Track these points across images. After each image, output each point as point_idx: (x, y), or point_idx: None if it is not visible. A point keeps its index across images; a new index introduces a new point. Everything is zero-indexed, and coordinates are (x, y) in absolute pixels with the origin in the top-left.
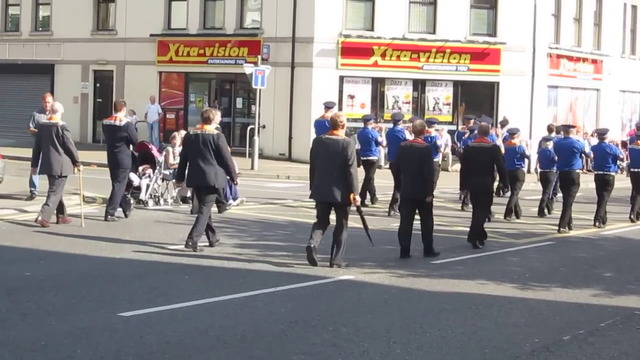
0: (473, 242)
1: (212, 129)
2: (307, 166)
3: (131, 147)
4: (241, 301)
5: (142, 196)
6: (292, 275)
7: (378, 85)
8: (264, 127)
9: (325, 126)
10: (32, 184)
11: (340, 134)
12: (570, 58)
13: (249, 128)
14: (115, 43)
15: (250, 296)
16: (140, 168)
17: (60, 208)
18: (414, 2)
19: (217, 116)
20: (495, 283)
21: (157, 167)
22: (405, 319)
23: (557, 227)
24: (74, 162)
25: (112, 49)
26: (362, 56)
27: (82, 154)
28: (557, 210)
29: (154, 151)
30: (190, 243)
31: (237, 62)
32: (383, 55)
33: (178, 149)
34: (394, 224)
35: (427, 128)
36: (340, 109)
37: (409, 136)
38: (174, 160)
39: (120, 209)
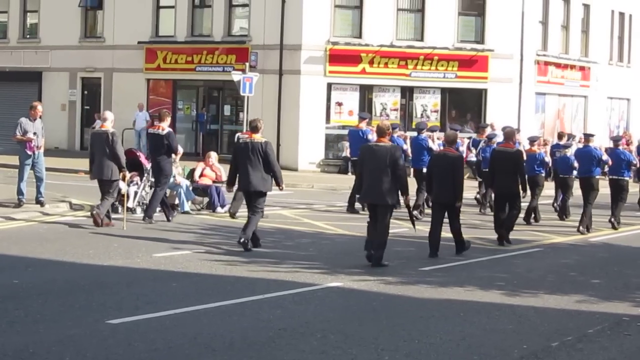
0: (501, 240)
1: (260, 137)
2: (295, 173)
3: (173, 155)
4: (229, 308)
5: (130, 204)
6: (280, 282)
7: (366, 92)
8: None
9: (359, 135)
10: (20, 192)
11: (387, 141)
12: (557, 65)
13: (236, 135)
14: (103, 50)
15: (238, 303)
16: (128, 175)
17: (106, 207)
18: (402, 10)
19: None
20: (484, 290)
21: (145, 175)
22: (394, 326)
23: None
24: (120, 168)
25: (100, 57)
26: (349, 63)
27: (70, 161)
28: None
29: (142, 159)
30: (242, 241)
31: (225, 69)
32: (371, 63)
33: None
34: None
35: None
36: (327, 116)
37: (432, 144)
38: None
39: (160, 212)
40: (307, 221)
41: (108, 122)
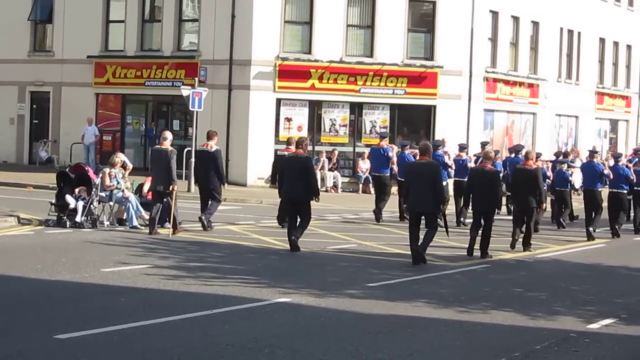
0: (525, 247)
1: (303, 153)
2: (243, 189)
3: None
4: (177, 324)
5: (78, 218)
6: (228, 297)
7: (315, 108)
8: None
9: (380, 153)
10: None
11: (428, 158)
12: (506, 82)
13: (185, 150)
14: (52, 64)
15: (187, 319)
16: (77, 190)
17: (173, 219)
18: (352, 26)
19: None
20: (432, 305)
21: (94, 189)
22: (342, 342)
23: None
24: (171, 181)
25: (49, 70)
26: (299, 79)
27: (18, 175)
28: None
29: (90, 173)
30: (292, 239)
31: (174, 84)
32: (320, 78)
33: (114, 170)
34: (330, 247)
35: (459, 152)
36: (277, 131)
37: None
38: (110, 182)
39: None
40: (255, 236)
41: (168, 141)
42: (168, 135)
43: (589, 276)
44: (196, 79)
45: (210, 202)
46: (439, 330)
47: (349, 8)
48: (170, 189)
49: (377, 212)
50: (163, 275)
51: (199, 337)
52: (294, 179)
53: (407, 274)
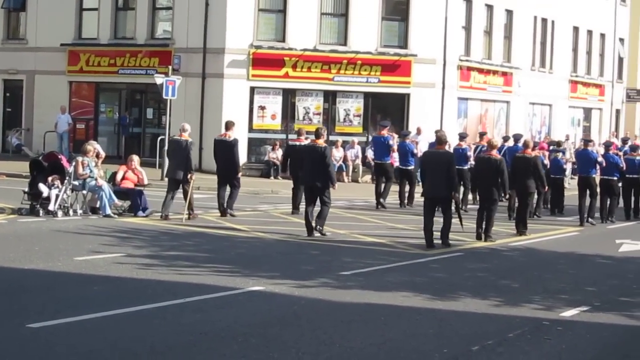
0: (519, 230)
1: (321, 142)
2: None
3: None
4: (151, 312)
5: (52, 207)
6: (201, 286)
7: (289, 96)
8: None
9: (381, 142)
10: None
11: (445, 148)
12: (480, 70)
13: (159, 139)
14: (25, 52)
15: (160, 307)
16: (50, 178)
17: (190, 205)
18: (326, 14)
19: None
20: (405, 294)
21: (67, 178)
22: (315, 330)
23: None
24: (189, 171)
25: (23, 59)
26: (273, 67)
27: None
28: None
29: (64, 161)
30: (318, 229)
31: (148, 72)
32: (294, 67)
33: (87, 159)
34: (304, 235)
35: (459, 141)
36: (250, 120)
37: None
38: (83, 171)
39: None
40: (228, 225)
41: (187, 132)
42: (187, 127)
43: (562, 264)
44: (170, 67)
45: (230, 190)
46: (412, 319)
47: None
48: (190, 177)
49: (378, 197)
50: (136, 264)
51: (172, 326)
52: (314, 167)
53: (381, 263)
